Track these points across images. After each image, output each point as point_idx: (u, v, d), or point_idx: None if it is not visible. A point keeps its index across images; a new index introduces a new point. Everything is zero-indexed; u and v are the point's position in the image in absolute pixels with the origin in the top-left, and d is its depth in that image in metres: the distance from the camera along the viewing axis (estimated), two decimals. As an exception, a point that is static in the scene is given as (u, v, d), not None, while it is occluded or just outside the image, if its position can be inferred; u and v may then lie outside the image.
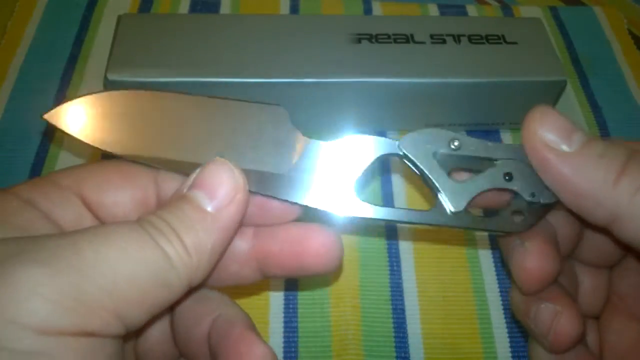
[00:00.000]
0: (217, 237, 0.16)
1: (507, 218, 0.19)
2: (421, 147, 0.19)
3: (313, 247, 0.18)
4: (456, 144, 0.18)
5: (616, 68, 0.37)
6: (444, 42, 0.31)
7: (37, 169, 0.30)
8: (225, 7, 0.39)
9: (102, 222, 0.18)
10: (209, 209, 0.16)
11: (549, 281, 0.19)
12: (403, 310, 0.27)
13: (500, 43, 0.31)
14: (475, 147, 0.19)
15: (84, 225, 0.18)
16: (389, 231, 0.29)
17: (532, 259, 0.19)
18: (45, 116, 0.18)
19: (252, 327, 0.18)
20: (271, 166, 0.18)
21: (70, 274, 0.14)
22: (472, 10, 0.39)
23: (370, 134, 0.19)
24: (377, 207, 0.18)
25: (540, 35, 0.32)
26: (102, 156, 0.31)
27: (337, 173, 0.19)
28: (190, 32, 0.30)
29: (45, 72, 0.34)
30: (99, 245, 0.15)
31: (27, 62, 0.34)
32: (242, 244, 0.19)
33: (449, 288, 0.28)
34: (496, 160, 0.19)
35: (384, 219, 0.19)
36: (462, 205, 0.18)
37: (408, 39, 0.31)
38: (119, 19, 0.31)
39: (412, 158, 0.19)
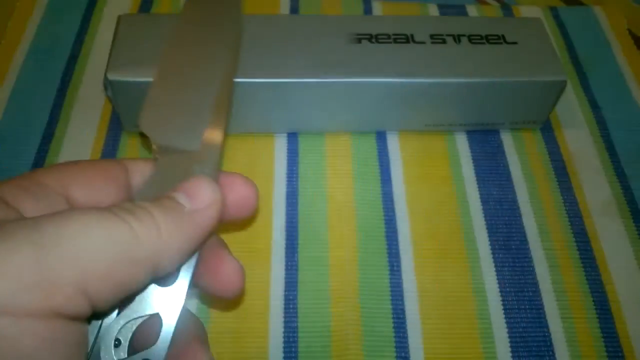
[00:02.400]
0: (191, 231, 0.16)
1: None
2: None
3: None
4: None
5: (616, 68, 0.37)
6: (444, 42, 0.31)
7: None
8: (225, 7, 0.39)
9: None
10: (188, 207, 0.17)
11: None
12: (403, 310, 0.27)
13: (501, 43, 0.31)
14: None
15: None
16: (389, 231, 0.29)
17: None
18: None
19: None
20: None
21: (30, 249, 0.13)
22: (472, 10, 0.40)
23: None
24: None
25: (541, 35, 0.32)
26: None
27: None
28: (191, 32, 0.30)
29: (46, 72, 0.34)
30: (61, 221, 0.14)
31: (27, 62, 0.34)
32: None
33: (449, 288, 0.28)
34: None
35: None
36: None
37: (408, 39, 0.31)
38: (119, 19, 0.31)
39: None
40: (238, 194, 0.19)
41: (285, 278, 0.28)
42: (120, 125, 0.32)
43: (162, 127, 0.19)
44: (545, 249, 0.29)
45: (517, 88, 0.31)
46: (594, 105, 0.35)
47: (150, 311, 0.17)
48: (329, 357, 0.26)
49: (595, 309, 0.28)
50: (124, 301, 0.17)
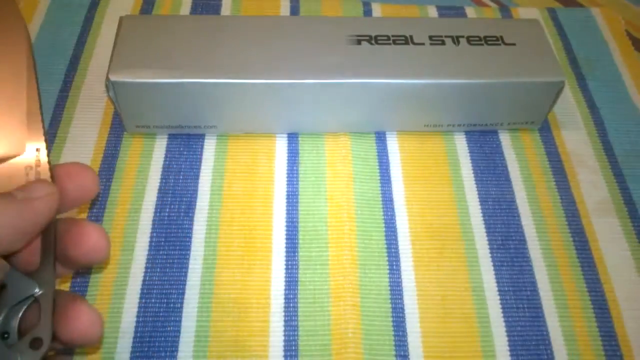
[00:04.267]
0: (21, 218, 0.18)
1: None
2: None
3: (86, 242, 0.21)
4: None
5: (614, 69, 0.38)
6: (443, 43, 0.31)
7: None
8: (226, 9, 0.39)
9: None
10: (20, 196, 0.18)
11: None
12: (402, 309, 0.27)
13: (499, 44, 0.32)
14: None
15: None
16: (388, 231, 0.29)
17: None
18: None
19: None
20: None
21: None
22: (470, 12, 0.40)
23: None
24: None
25: (539, 36, 0.32)
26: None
27: None
28: (192, 33, 0.31)
29: (48, 73, 0.34)
30: None
31: (30, 63, 0.35)
32: None
33: (448, 287, 0.28)
34: None
35: None
36: None
37: (407, 40, 0.31)
38: (121, 20, 0.31)
39: None
40: (76, 181, 0.21)
41: (286, 277, 0.28)
42: (122, 126, 0.32)
43: None
44: (543, 248, 0.29)
45: (516, 89, 0.31)
46: (592, 106, 0.36)
47: (24, 296, 0.19)
48: (329, 356, 0.26)
49: (593, 308, 0.28)
50: None
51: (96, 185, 0.22)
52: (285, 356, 0.26)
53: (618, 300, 0.28)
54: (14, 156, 0.20)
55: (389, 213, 0.30)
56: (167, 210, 0.30)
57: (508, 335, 0.27)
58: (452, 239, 0.29)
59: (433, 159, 0.32)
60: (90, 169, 0.22)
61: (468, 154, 0.33)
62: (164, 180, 0.31)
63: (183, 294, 0.27)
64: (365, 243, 0.29)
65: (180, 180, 0.31)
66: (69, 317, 0.19)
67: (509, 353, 0.26)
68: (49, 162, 0.20)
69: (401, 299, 0.27)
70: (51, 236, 0.20)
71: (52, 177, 0.20)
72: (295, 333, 0.26)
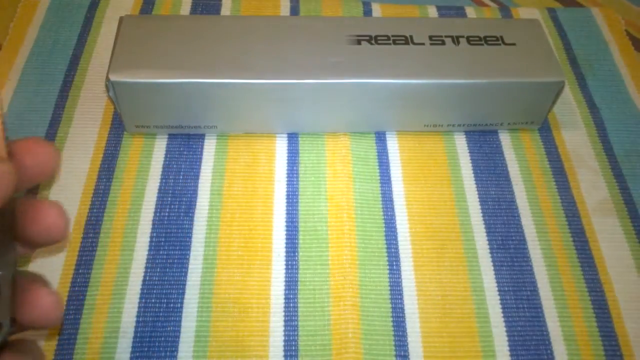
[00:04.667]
0: None
1: None
2: None
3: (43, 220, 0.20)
4: None
5: (614, 69, 0.38)
6: (443, 43, 0.31)
7: (39, 169, 0.30)
8: (226, 9, 0.39)
9: None
10: None
11: None
12: (402, 309, 0.27)
13: (499, 44, 0.32)
14: None
15: None
16: (388, 231, 0.29)
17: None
18: None
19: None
20: None
21: None
22: (470, 11, 0.40)
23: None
24: None
25: (539, 36, 0.32)
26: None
27: None
28: (192, 33, 0.31)
29: (48, 73, 0.34)
30: None
31: (30, 63, 0.35)
32: None
33: (448, 287, 0.28)
34: None
35: None
36: None
37: (407, 40, 0.31)
38: (121, 20, 0.31)
39: None
40: (35, 157, 0.20)
41: (286, 277, 0.28)
42: (122, 126, 0.32)
43: None
44: (543, 248, 0.29)
45: (516, 89, 0.31)
46: (592, 106, 0.36)
47: None
48: (329, 356, 0.26)
49: (593, 308, 0.28)
50: None
51: (56, 161, 0.21)
52: (285, 356, 0.26)
53: (618, 300, 0.28)
54: None
55: (389, 213, 0.30)
56: (167, 210, 0.30)
57: (508, 335, 0.27)
58: (452, 239, 0.29)
59: (433, 159, 0.32)
60: (50, 144, 0.21)
61: (468, 154, 0.33)
62: (164, 180, 0.31)
63: (183, 294, 0.27)
64: (365, 243, 0.29)
65: (180, 180, 0.31)
66: (29, 300, 0.19)
67: (509, 353, 0.26)
68: (5, 137, 0.19)
69: (401, 299, 0.27)
70: (9, 216, 0.19)
71: (8, 153, 0.19)
72: (295, 333, 0.26)
